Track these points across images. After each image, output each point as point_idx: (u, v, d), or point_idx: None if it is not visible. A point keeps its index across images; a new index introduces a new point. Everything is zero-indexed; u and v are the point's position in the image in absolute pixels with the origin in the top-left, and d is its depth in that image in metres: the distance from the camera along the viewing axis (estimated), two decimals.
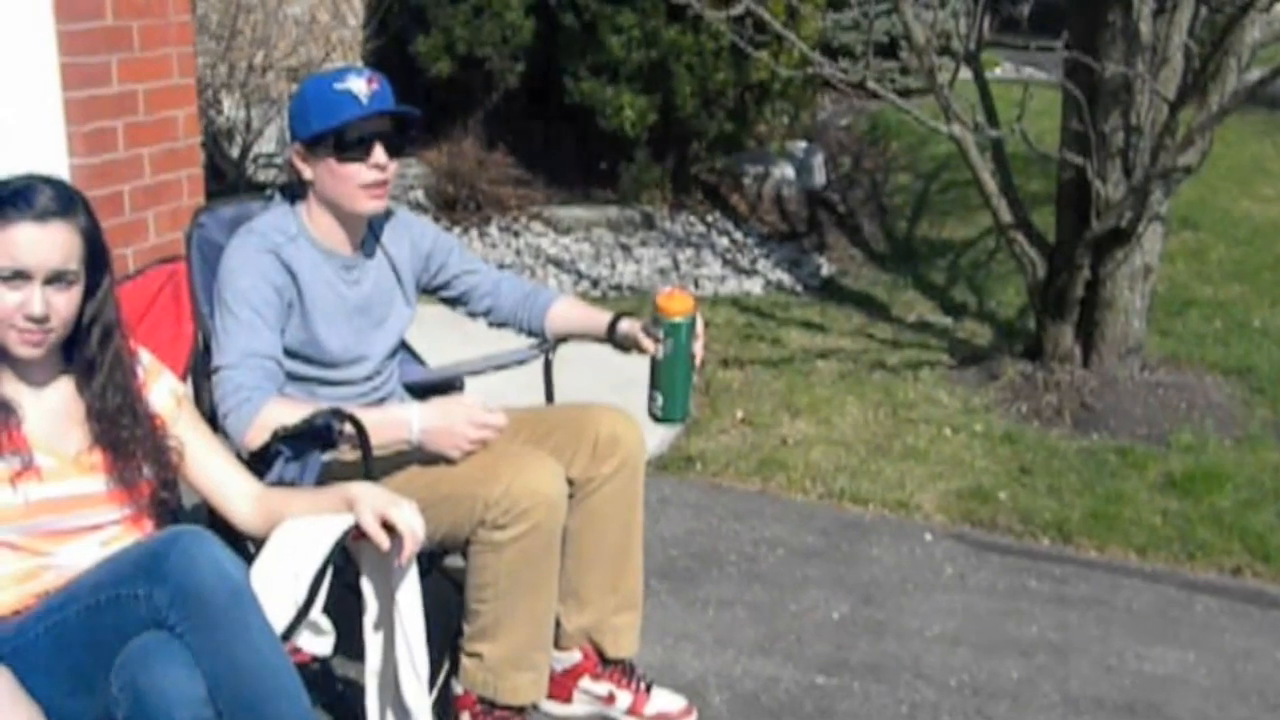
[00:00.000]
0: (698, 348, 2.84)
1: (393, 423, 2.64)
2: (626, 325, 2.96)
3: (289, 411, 2.60)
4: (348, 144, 2.71)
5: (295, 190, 2.85)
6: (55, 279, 2.15)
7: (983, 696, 3.26)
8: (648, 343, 2.85)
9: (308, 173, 2.78)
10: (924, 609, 3.69)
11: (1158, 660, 3.48)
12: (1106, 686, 3.33)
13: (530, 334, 3.15)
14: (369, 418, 2.58)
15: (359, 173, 2.73)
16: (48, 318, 2.16)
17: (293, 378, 2.79)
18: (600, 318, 3.06)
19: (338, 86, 2.70)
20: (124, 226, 4.58)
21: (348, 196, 2.76)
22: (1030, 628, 3.61)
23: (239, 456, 2.56)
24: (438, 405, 2.71)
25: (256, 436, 2.57)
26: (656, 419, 2.87)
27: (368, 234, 2.90)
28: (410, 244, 3.00)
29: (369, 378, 2.91)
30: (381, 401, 2.93)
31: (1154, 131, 4.96)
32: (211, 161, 7.05)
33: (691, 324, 2.80)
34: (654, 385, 2.85)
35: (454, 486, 2.63)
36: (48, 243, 2.14)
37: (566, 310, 3.12)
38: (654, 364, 2.84)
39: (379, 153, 2.74)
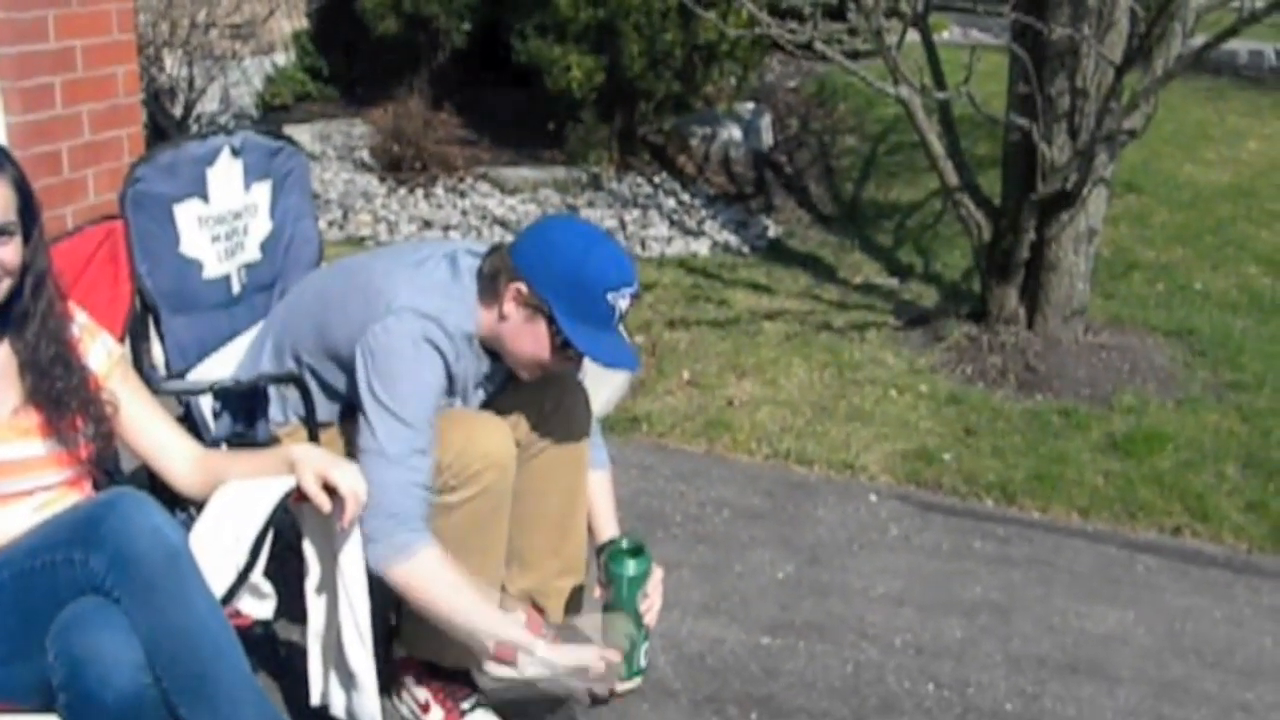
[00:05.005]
0: (645, 607, 2.68)
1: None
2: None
3: (446, 580, 2.47)
4: (572, 347, 2.59)
5: (488, 285, 2.62)
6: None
7: (926, 656, 3.28)
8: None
9: (510, 310, 2.59)
10: (869, 569, 3.70)
11: (1099, 619, 3.51)
12: (1049, 645, 3.36)
13: None
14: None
15: (552, 361, 2.63)
16: None
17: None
18: (604, 529, 2.95)
19: (610, 298, 2.55)
20: (63, 185, 4.51)
21: (520, 362, 2.66)
22: (974, 588, 3.64)
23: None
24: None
25: (398, 581, 2.44)
26: None
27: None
28: None
29: None
30: None
31: (1099, 95, 4.98)
32: (153, 120, 6.96)
33: (634, 579, 2.65)
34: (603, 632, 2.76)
35: None
36: None
37: (593, 492, 2.97)
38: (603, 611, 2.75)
39: (582, 362, 2.69)
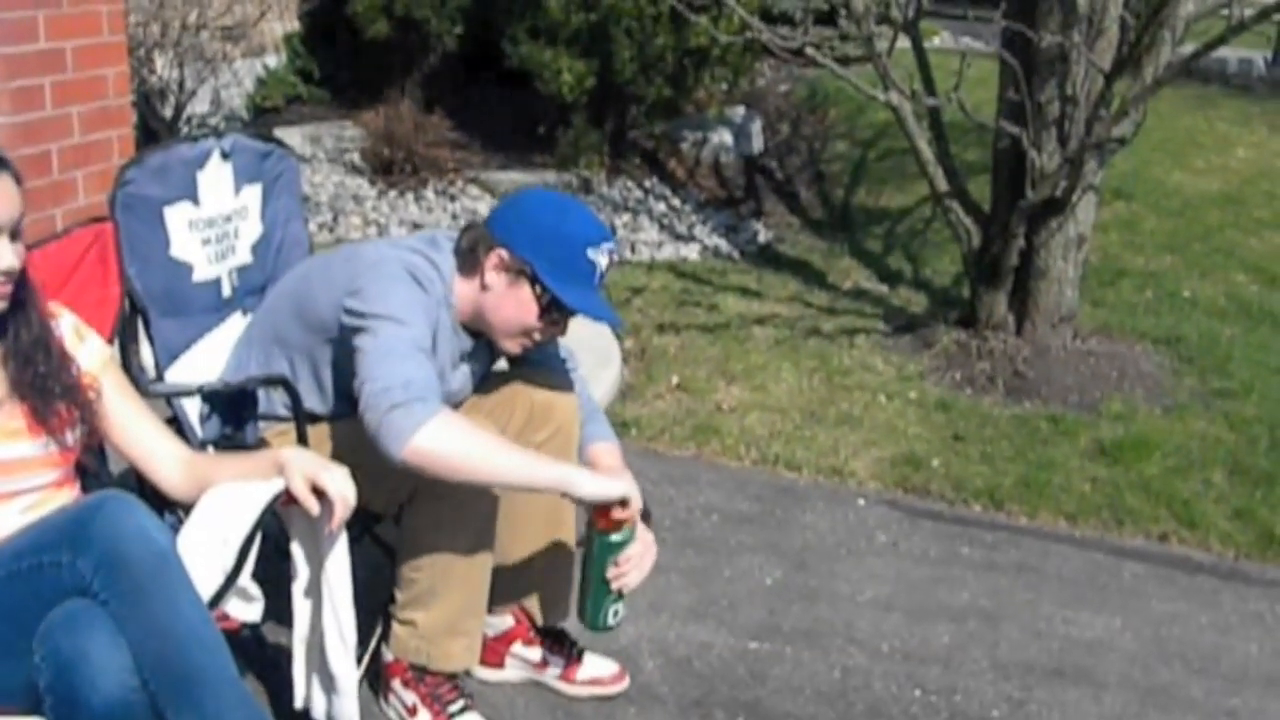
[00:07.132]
0: (614, 573, 2.66)
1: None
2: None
3: (475, 431, 2.45)
4: (557, 308, 2.62)
5: (467, 258, 2.66)
6: (11, 230, 2.15)
7: (914, 661, 3.28)
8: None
9: (492, 279, 2.63)
10: (856, 575, 3.71)
11: (1086, 625, 3.52)
12: (1036, 651, 3.37)
13: None
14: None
15: (538, 328, 2.66)
16: (13, 268, 2.15)
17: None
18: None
19: (590, 254, 2.60)
20: (52, 186, 4.50)
21: (505, 333, 2.68)
22: (961, 594, 3.64)
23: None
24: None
25: (422, 447, 2.37)
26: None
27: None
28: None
29: None
30: None
31: (1089, 102, 5.00)
32: (144, 122, 6.95)
33: (611, 544, 2.64)
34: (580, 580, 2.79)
35: None
36: (5, 195, 2.13)
37: (600, 457, 2.88)
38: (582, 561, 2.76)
39: (567, 326, 2.70)
